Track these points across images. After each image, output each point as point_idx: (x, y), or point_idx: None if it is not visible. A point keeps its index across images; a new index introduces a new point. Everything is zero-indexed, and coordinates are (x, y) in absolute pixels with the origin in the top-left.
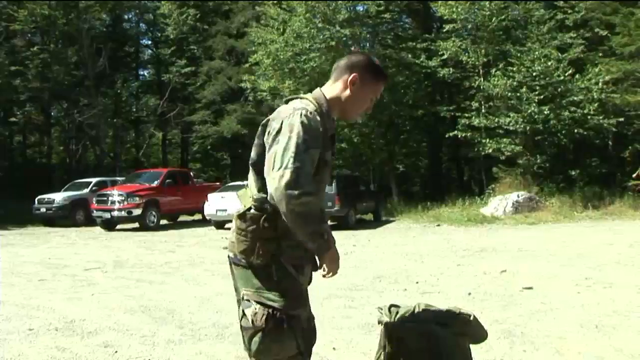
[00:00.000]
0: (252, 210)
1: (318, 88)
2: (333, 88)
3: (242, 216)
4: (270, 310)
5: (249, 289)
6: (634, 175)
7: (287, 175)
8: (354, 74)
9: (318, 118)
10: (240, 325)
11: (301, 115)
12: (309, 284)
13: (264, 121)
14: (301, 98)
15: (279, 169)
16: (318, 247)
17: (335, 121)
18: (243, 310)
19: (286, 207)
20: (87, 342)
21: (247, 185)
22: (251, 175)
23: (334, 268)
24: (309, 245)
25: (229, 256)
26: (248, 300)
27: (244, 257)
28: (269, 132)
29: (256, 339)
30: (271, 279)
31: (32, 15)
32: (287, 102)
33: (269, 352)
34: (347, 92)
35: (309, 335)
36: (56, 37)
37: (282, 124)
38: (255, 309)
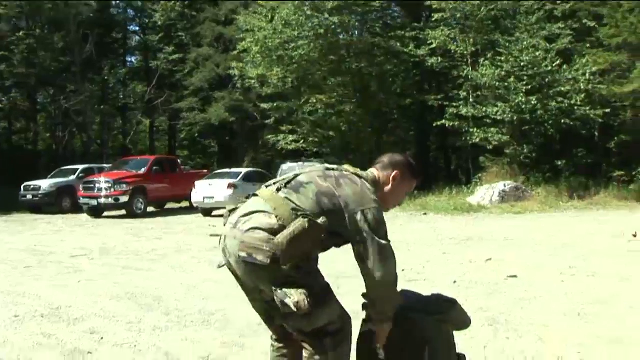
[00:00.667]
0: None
1: (371, 171)
2: (378, 174)
3: (271, 231)
4: (307, 292)
5: (279, 279)
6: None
7: (391, 276)
8: (396, 171)
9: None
10: (284, 314)
11: (378, 211)
12: None
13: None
14: (363, 178)
15: (383, 268)
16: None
17: None
18: (281, 302)
19: (388, 299)
20: (73, 329)
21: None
22: (300, 197)
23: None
24: (384, 313)
25: (239, 255)
26: (281, 290)
27: (265, 258)
28: (348, 211)
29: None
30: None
31: (17, 0)
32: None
33: (318, 319)
34: (389, 186)
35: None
36: (42, 22)
37: (367, 216)
38: (295, 297)
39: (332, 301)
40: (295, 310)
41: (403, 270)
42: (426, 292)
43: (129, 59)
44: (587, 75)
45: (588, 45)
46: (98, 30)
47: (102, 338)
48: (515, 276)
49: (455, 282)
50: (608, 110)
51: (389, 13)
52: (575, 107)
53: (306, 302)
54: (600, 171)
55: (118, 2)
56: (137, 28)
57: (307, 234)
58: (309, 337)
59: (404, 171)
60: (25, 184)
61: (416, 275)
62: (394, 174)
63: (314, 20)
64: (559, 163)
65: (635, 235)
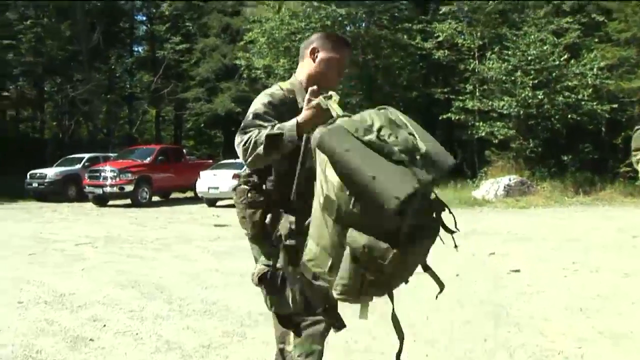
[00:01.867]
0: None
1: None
2: (301, 68)
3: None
4: (268, 270)
5: (260, 257)
6: None
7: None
8: (312, 46)
9: (269, 98)
10: None
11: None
12: None
13: None
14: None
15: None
16: (290, 131)
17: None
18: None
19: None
20: (76, 316)
21: None
22: None
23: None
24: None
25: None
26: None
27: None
28: None
29: (263, 295)
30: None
31: None
32: None
33: (274, 305)
34: (312, 64)
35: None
36: (50, 11)
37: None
38: (255, 269)
39: (283, 293)
40: (252, 282)
41: None
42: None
43: (136, 49)
44: (595, 70)
45: (596, 39)
46: (105, 20)
47: (104, 325)
48: (518, 270)
49: (457, 275)
50: (615, 106)
51: (396, 5)
52: (583, 102)
53: (256, 278)
54: (606, 167)
55: None
56: (144, 18)
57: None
58: (282, 324)
59: (321, 43)
60: (31, 172)
61: (418, 268)
62: (310, 49)
63: (321, 12)
64: (565, 158)
65: None
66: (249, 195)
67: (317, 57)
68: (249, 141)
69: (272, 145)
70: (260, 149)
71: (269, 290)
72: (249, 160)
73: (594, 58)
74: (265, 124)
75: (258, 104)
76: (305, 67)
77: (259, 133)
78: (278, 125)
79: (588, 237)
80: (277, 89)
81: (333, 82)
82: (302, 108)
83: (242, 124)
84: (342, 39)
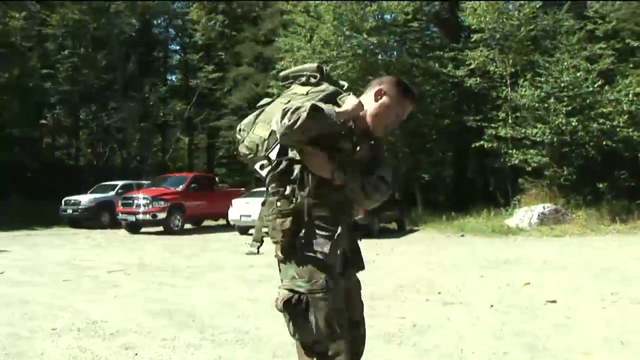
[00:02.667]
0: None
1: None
2: (364, 97)
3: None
4: (293, 295)
5: (286, 280)
6: None
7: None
8: (381, 87)
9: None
10: None
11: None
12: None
13: None
14: None
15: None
16: (330, 110)
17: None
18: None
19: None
20: (108, 344)
21: None
22: None
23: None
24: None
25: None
26: (280, 288)
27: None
28: None
29: (286, 321)
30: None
31: (63, 20)
32: None
33: (297, 332)
34: (373, 103)
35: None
36: (86, 41)
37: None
38: (279, 294)
39: (307, 320)
40: (275, 307)
41: (439, 293)
42: (463, 315)
43: (170, 77)
44: (630, 95)
45: (631, 65)
46: (140, 49)
47: (136, 354)
48: (554, 301)
49: (492, 306)
50: None
51: (427, 34)
52: (618, 129)
53: (281, 303)
54: None
55: (160, 22)
56: (178, 47)
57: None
58: (305, 353)
59: (390, 87)
60: (66, 198)
61: (452, 298)
62: (377, 89)
63: (352, 41)
64: (601, 185)
65: None
66: (278, 204)
67: (380, 99)
68: (291, 108)
69: (312, 116)
70: (304, 114)
71: (292, 316)
72: (286, 124)
73: (629, 84)
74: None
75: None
76: (367, 101)
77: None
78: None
79: (626, 267)
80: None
81: (382, 128)
82: (350, 127)
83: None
84: (411, 93)
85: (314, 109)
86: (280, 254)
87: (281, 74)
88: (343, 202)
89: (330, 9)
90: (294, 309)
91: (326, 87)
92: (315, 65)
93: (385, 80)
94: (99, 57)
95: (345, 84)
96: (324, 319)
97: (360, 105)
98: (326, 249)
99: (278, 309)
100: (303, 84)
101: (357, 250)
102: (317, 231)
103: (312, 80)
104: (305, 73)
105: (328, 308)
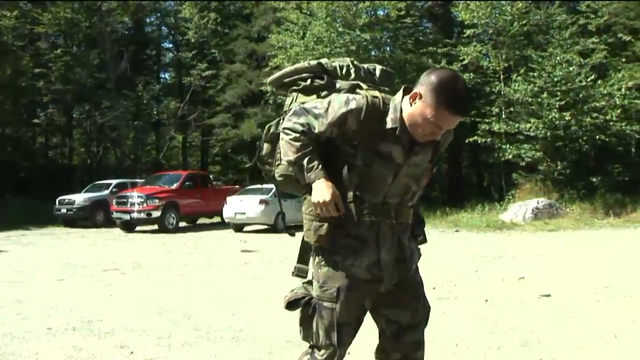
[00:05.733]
0: None
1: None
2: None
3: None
4: (303, 296)
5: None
6: None
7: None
8: (417, 90)
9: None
10: None
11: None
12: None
13: None
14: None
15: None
16: (304, 178)
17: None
18: None
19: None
20: (103, 343)
21: None
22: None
23: (315, 196)
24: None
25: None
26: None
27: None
28: None
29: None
30: (316, 266)
31: (55, 19)
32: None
33: (303, 332)
34: (409, 107)
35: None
36: (79, 40)
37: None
38: (291, 291)
39: (328, 315)
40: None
41: (434, 288)
42: (458, 310)
43: (163, 75)
44: (623, 90)
45: (624, 59)
46: (133, 48)
47: (132, 352)
48: (548, 295)
49: (487, 300)
50: None
51: (420, 29)
52: (611, 123)
53: (285, 300)
54: (637, 188)
55: (152, 20)
56: (171, 45)
57: None
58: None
59: (427, 91)
60: (60, 197)
61: (447, 293)
62: (413, 92)
63: (345, 37)
64: (594, 180)
65: None
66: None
67: (414, 104)
68: (294, 135)
69: (292, 167)
70: (287, 158)
71: (301, 316)
72: (281, 144)
73: (621, 78)
74: (316, 134)
75: (336, 107)
76: (407, 101)
77: (305, 142)
78: (312, 165)
79: (620, 260)
80: (375, 99)
81: (420, 137)
82: (384, 130)
83: (306, 105)
84: (453, 106)
85: (299, 168)
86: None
87: (270, 79)
88: (386, 206)
89: (323, 5)
90: (303, 309)
91: (333, 97)
92: (314, 62)
93: (428, 80)
94: (92, 56)
95: (377, 67)
96: (324, 329)
97: (327, 203)
98: (349, 262)
99: (283, 306)
100: (307, 91)
101: (410, 251)
102: (345, 240)
103: (317, 83)
104: (304, 76)
105: (331, 319)
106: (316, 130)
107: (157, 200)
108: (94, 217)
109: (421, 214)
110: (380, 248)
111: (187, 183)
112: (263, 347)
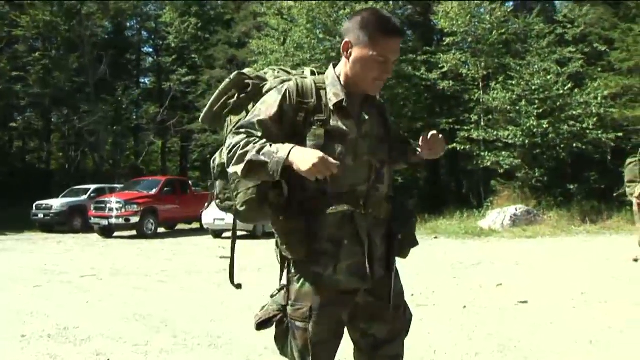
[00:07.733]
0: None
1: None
2: (340, 63)
3: None
4: (274, 315)
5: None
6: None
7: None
8: (345, 40)
9: (288, 93)
10: None
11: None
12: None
13: None
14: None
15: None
16: (276, 165)
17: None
18: None
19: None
20: (79, 350)
21: None
22: None
23: (304, 165)
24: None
25: None
26: (272, 296)
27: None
28: None
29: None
30: (289, 280)
31: (34, 22)
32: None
33: (280, 350)
34: (346, 66)
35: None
36: (58, 43)
37: None
38: (261, 309)
39: (301, 336)
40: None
41: (412, 295)
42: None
43: (142, 80)
44: (599, 98)
45: (599, 69)
46: (112, 52)
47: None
48: (526, 302)
49: (465, 307)
50: (620, 134)
51: None
52: (587, 131)
53: (256, 321)
54: (612, 195)
55: (132, 24)
56: (151, 50)
57: None
58: None
59: (357, 35)
60: (37, 202)
61: (425, 300)
62: (342, 45)
63: (326, 44)
64: (571, 187)
65: (636, 260)
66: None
67: (350, 55)
68: (235, 149)
69: (252, 171)
70: (240, 168)
71: (276, 336)
72: (230, 171)
73: (597, 87)
74: (261, 135)
75: (270, 101)
76: (342, 64)
77: (248, 143)
78: (269, 148)
79: (596, 267)
80: (305, 79)
81: (372, 85)
82: (326, 105)
83: (239, 123)
84: (385, 28)
85: (250, 167)
86: (278, 258)
87: (202, 117)
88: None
89: (303, 12)
90: (277, 328)
91: (265, 97)
92: (234, 74)
93: (351, 26)
94: (71, 60)
95: (306, 69)
96: (298, 351)
97: (321, 161)
98: (330, 270)
99: (254, 326)
100: (238, 108)
101: (381, 254)
102: (318, 244)
103: (244, 94)
104: (231, 94)
105: (304, 341)
106: (259, 134)
107: (135, 206)
108: (71, 222)
109: (411, 207)
110: (364, 242)
111: (166, 189)
112: (241, 354)
